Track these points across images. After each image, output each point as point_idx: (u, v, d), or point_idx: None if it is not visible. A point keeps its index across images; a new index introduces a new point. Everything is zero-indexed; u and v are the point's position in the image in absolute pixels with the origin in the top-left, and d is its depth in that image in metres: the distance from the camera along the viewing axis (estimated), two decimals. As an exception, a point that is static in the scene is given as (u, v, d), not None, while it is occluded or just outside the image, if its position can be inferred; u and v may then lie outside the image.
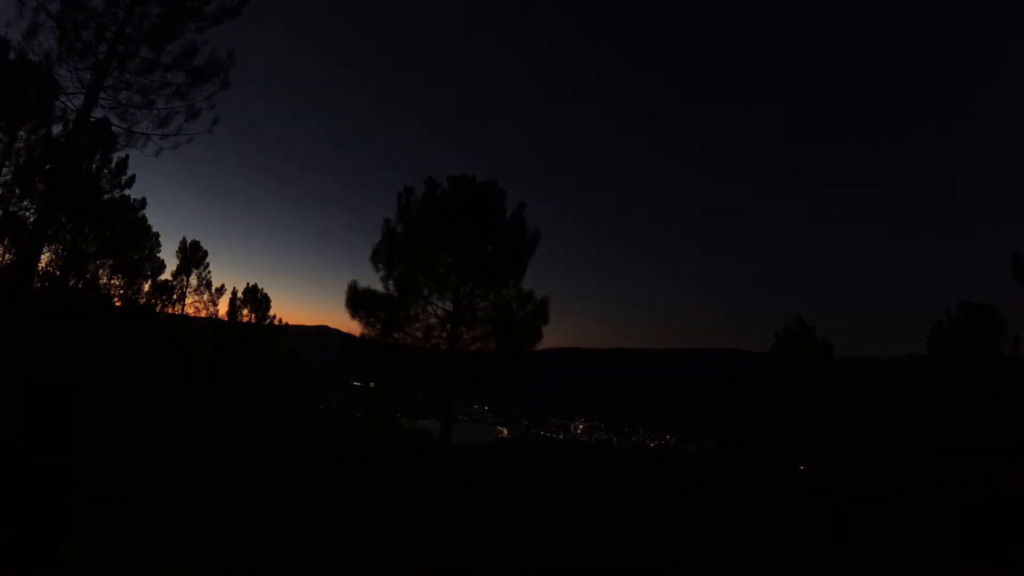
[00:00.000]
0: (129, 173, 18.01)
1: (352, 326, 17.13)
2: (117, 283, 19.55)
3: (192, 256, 22.24)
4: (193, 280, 22.18)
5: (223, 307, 22.49)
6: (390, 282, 16.71)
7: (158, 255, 20.28)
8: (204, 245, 22.44)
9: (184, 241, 22.31)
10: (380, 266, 16.78)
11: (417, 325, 16.87)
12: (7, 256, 16.28)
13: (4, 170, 14.88)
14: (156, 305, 20.44)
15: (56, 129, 14.66)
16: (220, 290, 22.59)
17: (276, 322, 22.71)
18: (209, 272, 22.53)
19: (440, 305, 16.76)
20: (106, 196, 17.94)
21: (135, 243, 19.23)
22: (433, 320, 16.84)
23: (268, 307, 22.49)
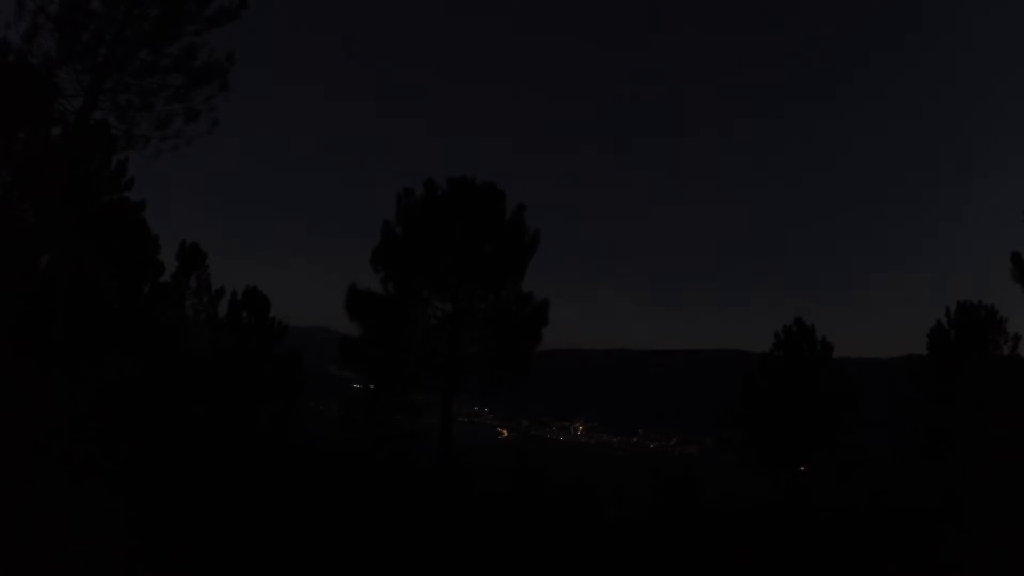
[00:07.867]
0: (128, 175, 17.97)
1: (352, 328, 17.12)
2: (116, 286, 19.50)
3: (191, 258, 22.17)
4: (192, 282, 22.11)
5: (222, 309, 22.42)
6: (389, 284, 16.71)
7: (157, 258, 20.21)
8: (204, 247, 22.39)
9: (184, 243, 22.26)
10: (380, 268, 16.78)
11: (417, 327, 16.88)
12: (6, 259, 16.22)
13: (3, 173, 14.86)
14: (155, 308, 20.39)
15: (55, 132, 14.64)
16: (220, 292, 22.51)
17: (276, 324, 22.64)
18: (208, 274, 22.46)
19: (440, 307, 16.76)
20: (105, 199, 17.89)
21: (134, 246, 19.18)
22: (433, 322, 16.84)
23: (268, 309, 22.43)
